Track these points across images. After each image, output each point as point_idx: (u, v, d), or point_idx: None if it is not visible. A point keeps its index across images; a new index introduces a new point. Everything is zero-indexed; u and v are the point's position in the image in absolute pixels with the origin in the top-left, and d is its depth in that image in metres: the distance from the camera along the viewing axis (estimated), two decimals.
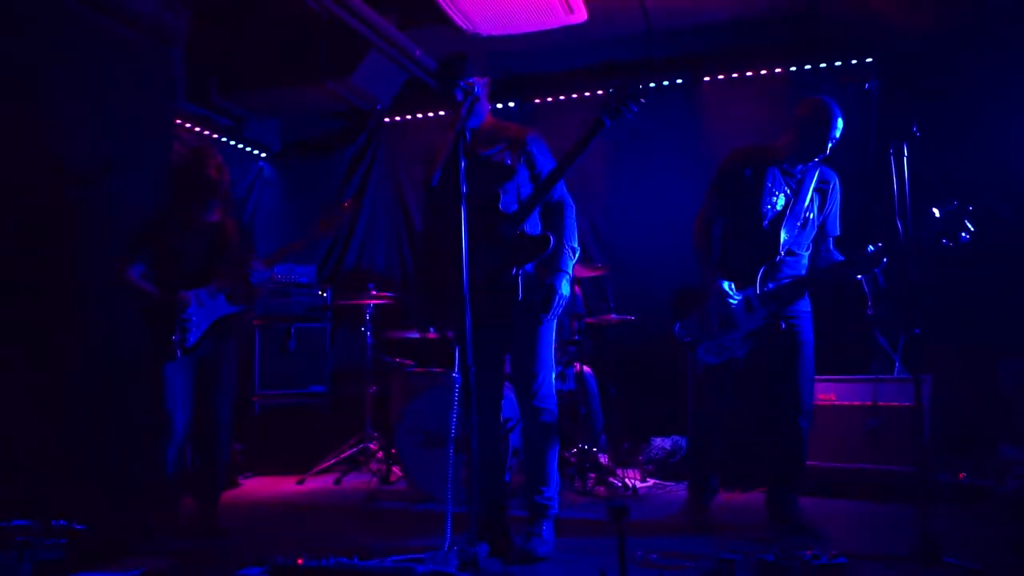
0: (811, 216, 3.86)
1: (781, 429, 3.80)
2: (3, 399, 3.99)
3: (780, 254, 3.79)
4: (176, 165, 4.42)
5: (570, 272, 3.49)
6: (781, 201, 3.82)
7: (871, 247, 3.58)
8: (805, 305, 3.85)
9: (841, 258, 3.89)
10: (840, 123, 3.75)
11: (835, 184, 3.94)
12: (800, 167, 3.87)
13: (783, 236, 3.79)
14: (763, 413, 3.92)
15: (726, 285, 3.76)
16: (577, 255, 3.56)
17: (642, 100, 3.37)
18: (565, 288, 3.44)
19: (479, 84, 3.50)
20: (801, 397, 3.77)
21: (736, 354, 3.78)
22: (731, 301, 3.75)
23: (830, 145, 3.78)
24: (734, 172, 3.89)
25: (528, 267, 3.41)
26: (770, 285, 3.76)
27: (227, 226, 4.10)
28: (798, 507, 3.81)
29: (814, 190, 3.86)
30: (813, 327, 3.86)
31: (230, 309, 4.04)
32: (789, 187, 3.84)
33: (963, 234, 3.36)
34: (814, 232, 3.91)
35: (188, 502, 4.08)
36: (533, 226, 3.49)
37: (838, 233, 4.00)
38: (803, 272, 3.86)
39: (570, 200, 3.60)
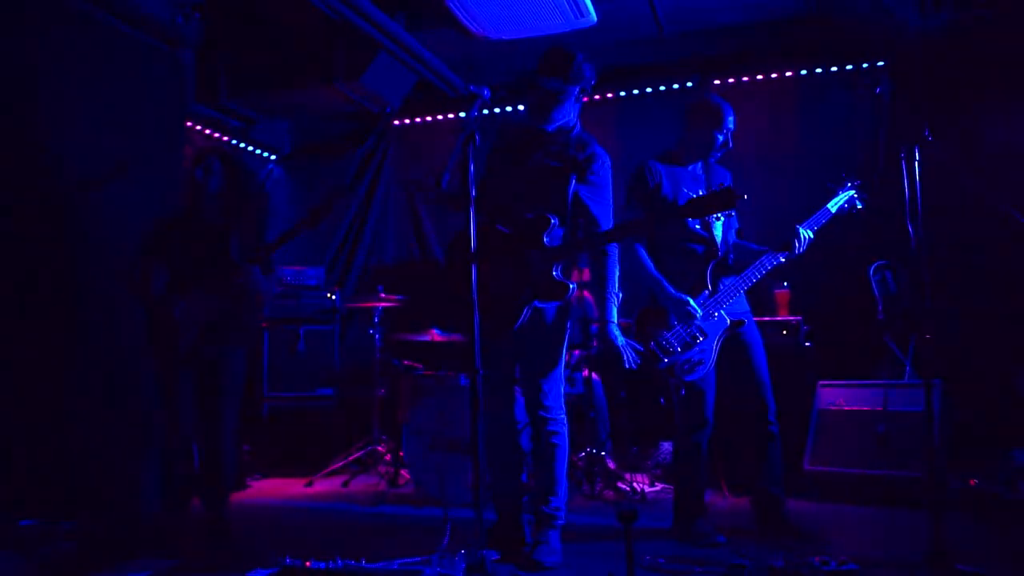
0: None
1: (755, 433, 3.81)
2: (8, 399, 4.00)
3: (721, 252, 3.80)
4: (189, 159, 4.41)
5: (616, 320, 3.45)
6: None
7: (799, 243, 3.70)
8: (745, 305, 3.87)
9: (758, 248, 3.87)
10: (730, 120, 3.82)
11: (729, 178, 3.93)
12: (701, 165, 3.90)
13: (719, 233, 3.81)
14: (737, 419, 3.90)
15: (689, 299, 3.67)
16: (620, 300, 3.49)
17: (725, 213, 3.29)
18: (619, 338, 3.43)
19: (575, 93, 3.41)
20: (766, 399, 3.78)
21: (710, 364, 3.72)
22: (696, 314, 3.66)
23: (720, 141, 3.83)
24: (648, 183, 3.80)
25: (537, 303, 3.35)
26: (722, 283, 3.75)
27: (227, 231, 4.02)
28: (784, 510, 3.81)
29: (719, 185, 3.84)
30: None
31: (226, 310, 3.94)
32: (701, 188, 3.85)
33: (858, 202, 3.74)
34: (727, 225, 3.91)
35: (197, 504, 4.09)
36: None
37: (738, 225, 4.01)
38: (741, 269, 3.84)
39: (615, 246, 3.50)
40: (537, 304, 3.34)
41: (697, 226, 3.77)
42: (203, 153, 4.10)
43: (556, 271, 3.29)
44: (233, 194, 4.07)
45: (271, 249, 3.93)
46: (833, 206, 3.86)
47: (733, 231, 3.97)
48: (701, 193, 3.75)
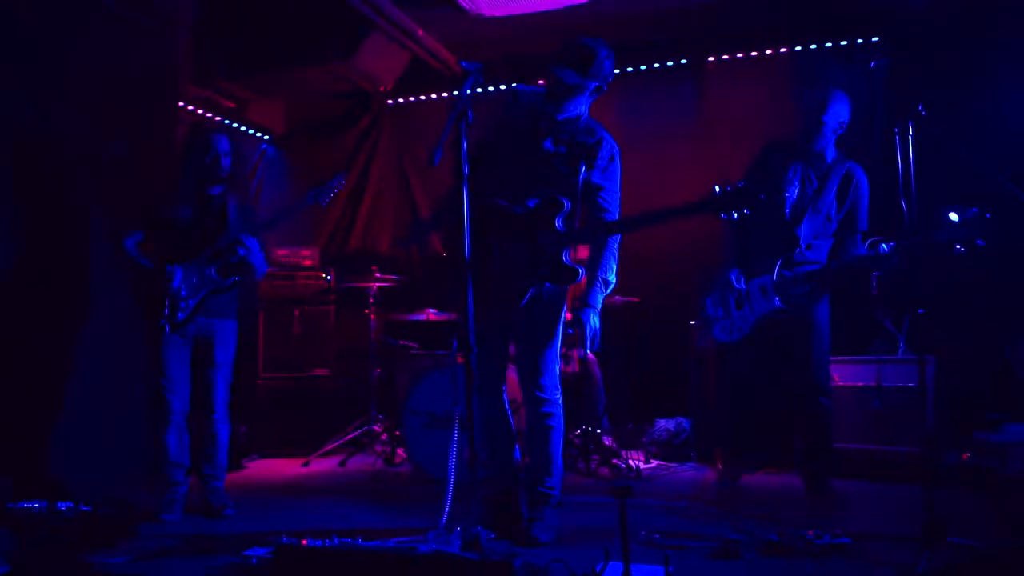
0: (833, 210, 3.94)
1: (805, 408, 3.99)
2: (5, 383, 4.00)
3: (800, 246, 3.90)
4: (184, 141, 4.42)
5: (598, 306, 3.41)
6: (797, 193, 3.93)
7: (884, 246, 3.68)
8: (819, 298, 3.99)
9: (863, 252, 3.89)
10: (836, 108, 3.88)
11: (860, 180, 3.98)
12: (826, 155, 3.97)
13: (804, 227, 3.90)
14: (783, 394, 4.11)
15: (733, 276, 3.97)
16: (611, 288, 3.45)
17: (746, 212, 3.19)
18: (594, 322, 3.39)
19: (592, 87, 3.33)
20: (818, 376, 3.95)
21: (744, 332, 3.97)
22: (739, 287, 3.96)
23: (822, 132, 3.90)
24: (764, 162, 4.03)
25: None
26: (786, 273, 3.86)
27: (227, 201, 4.07)
28: (829, 484, 3.99)
29: (839, 185, 3.93)
30: (829, 311, 4.02)
31: (221, 283, 3.97)
32: (812, 181, 3.95)
33: (979, 240, 3.44)
34: (834, 226, 3.98)
35: (194, 482, 4.10)
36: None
37: (865, 228, 4.02)
38: (822, 264, 3.94)
39: (617, 235, 3.47)
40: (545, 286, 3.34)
41: (787, 216, 3.94)
42: (209, 130, 4.13)
43: (566, 256, 3.27)
44: (239, 170, 4.13)
45: (273, 224, 4.02)
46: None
47: (858, 235, 3.98)
48: (808, 182, 3.96)
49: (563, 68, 3.27)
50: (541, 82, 3.46)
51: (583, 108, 3.44)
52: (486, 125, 3.38)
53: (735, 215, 3.06)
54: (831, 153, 4.00)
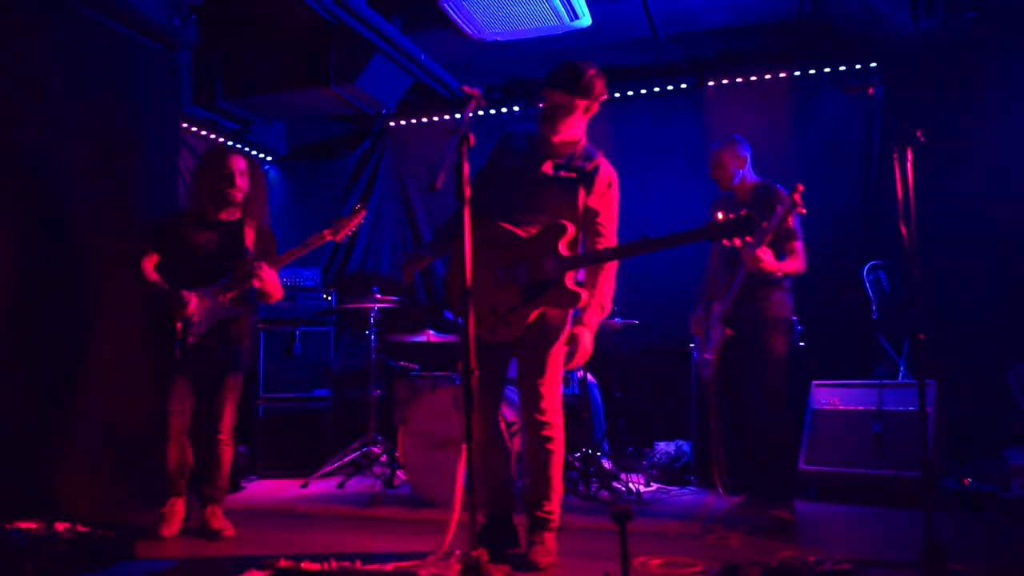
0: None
1: (744, 424, 4.21)
2: (5, 399, 4.00)
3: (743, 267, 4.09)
4: (198, 162, 4.41)
5: (594, 328, 3.41)
6: None
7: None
8: (764, 312, 4.14)
9: None
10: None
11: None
12: (731, 192, 4.40)
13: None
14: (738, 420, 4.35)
15: (705, 304, 4.40)
16: (606, 313, 3.45)
17: (748, 239, 3.34)
18: (587, 341, 3.39)
19: (584, 108, 3.40)
20: (763, 403, 4.08)
21: (712, 360, 4.26)
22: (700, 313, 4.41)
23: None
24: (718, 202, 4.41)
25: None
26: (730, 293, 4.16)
27: (245, 228, 4.09)
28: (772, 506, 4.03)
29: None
30: (772, 337, 4.14)
31: (235, 311, 4.01)
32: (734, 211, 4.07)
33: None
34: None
35: (193, 503, 4.09)
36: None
37: None
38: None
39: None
40: (548, 310, 3.35)
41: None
42: (225, 150, 4.14)
43: (568, 280, 3.29)
44: (257, 193, 4.15)
45: (291, 257, 4.02)
46: None
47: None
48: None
49: (554, 87, 3.37)
50: (542, 104, 3.50)
51: (579, 131, 3.48)
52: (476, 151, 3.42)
53: (736, 242, 3.10)
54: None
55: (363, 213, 4.18)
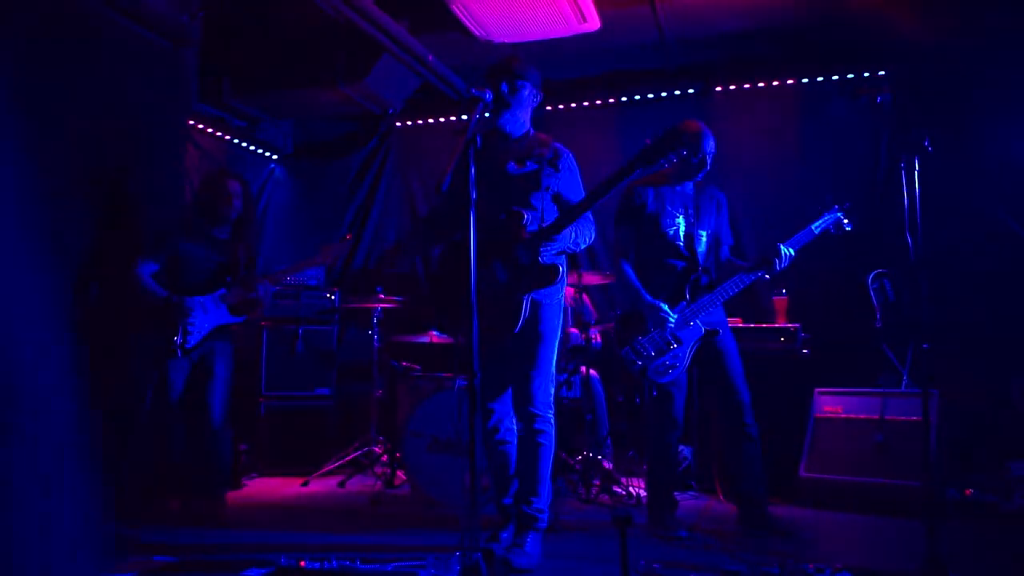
0: (710, 229, 4.10)
1: (733, 435, 4.01)
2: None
3: (701, 267, 4.02)
4: (200, 182, 4.72)
5: (552, 241, 3.41)
6: (682, 220, 4.04)
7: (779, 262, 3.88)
8: (722, 315, 4.09)
9: (743, 263, 4.11)
10: (711, 143, 4.00)
11: (722, 198, 4.20)
12: (692, 185, 4.11)
13: (701, 250, 4.03)
14: (717, 423, 4.25)
15: (664, 306, 3.92)
16: (580, 248, 3.53)
17: (683, 152, 3.35)
18: (538, 253, 3.39)
19: (528, 90, 3.54)
20: (742, 401, 3.99)
21: (681, 368, 3.96)
22: (669, 321, 3.91)
23: (694, 163, 4.00)
24: (634, 202, 4.09)
25: (535, 294, 3.39)
26: (700, 295, 3.98)
27: (235, 249, 4.44)
28: (766, 510, 3.99)
29: (709, 205, 4.12)
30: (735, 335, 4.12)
31: (231, 319, 4.37)
32: (686, 206, 4.07)
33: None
34: (712, 243, 4.14)
35: (191, 499, 4.11)
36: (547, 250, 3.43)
37: (732, 242, 4.25)
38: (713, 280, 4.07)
39: (590, 215, 3.55)
40: (535, 296, 3.38)
41: (680, 243, 4.01)
42: (223, 175, 4.48)
43: (543, 257, 3.35)
44: (249, 215, 4.55)
45: (284, 275, 4.64)
46: (817, 227, 4.00)
47: (725, 247, 4.19)
48: (687, 209, 4.05)
49: (494, 82, 3.49)
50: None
51: (526, 119, 3.62)
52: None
53: (673, 159, 3.21)
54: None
55: (351, 241, 4.55)
